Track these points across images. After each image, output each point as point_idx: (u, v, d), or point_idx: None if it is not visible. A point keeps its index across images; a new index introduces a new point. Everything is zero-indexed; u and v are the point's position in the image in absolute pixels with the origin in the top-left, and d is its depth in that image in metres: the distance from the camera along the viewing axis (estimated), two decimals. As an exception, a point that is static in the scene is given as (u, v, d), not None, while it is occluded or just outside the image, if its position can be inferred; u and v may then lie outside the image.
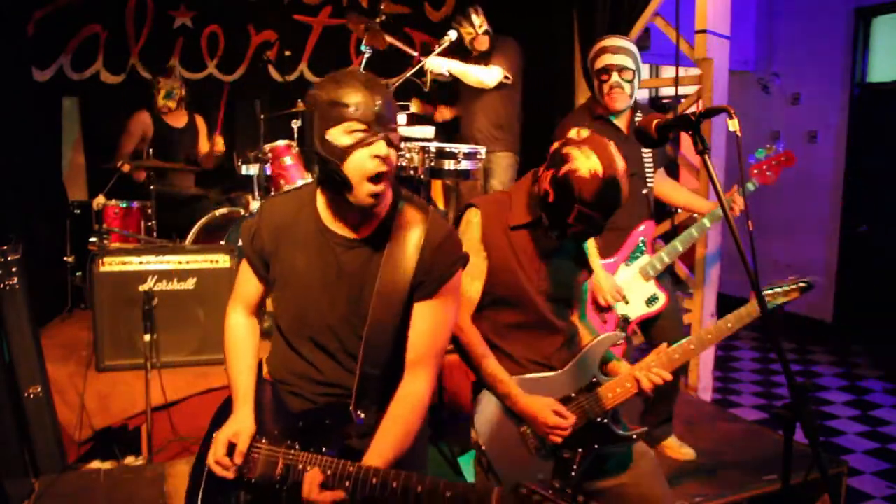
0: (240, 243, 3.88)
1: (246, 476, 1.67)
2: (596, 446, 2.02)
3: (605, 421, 2.03)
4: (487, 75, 4.18)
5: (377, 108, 1.55)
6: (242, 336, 1.83)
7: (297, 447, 1.65)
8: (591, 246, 2.54)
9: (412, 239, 1.66)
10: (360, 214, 1.65)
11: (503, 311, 2.05)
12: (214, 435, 1.71)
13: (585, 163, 1.83)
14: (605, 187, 1.83)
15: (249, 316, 1.86)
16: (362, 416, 1.66)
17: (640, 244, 2.91)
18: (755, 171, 3.04)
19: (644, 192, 2.94)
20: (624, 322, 2.91)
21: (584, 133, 1.92)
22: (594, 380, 2.05)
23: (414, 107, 4.59)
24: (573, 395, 2.04)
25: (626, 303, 2.90)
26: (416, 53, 4.20)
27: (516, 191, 2.09)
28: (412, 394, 1.68)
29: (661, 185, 3.09)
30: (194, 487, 1.75)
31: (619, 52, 2.74)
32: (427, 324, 1.69)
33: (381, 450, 1.60)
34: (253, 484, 1.67)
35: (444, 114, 4.69)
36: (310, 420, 1.70)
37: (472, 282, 2.00)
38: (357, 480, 1.52)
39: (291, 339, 1.76)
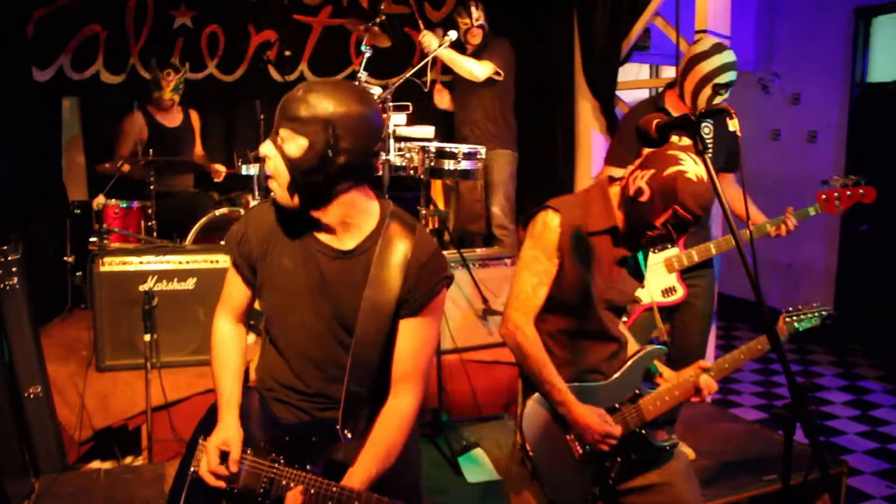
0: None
1: (229, 486, 1.66)
2: (633, 455, 2.05)
3: (644, 432, 2.06)
4: (478, 67, 4.22)
5: (286, 100, 1.56)
6: (229, 343, 1.82)
7: (281, 461, 1.65)
8: None
9: (398, 256, 1.65)
10: (338, 225, 1.65)
11: (562, 317, 2.04)
12: (202, 443, 1.71)
13: (693, 167, 1.86)
14: (707, 192, 1.86)
15: (236, 323, 1.86)
16: (349, 435, 1.66)
17: None
18: (823, 198, 2.96)
19: None
20: (632, 302, 2.92)
21: (686, 141, 1.94)
22: (637, 392, 2.09)
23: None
24: (617, 405, 2.06)
25: (643, 286, 2.91)
26: (421, 25, 4.30)
27: (592, 194, 2.07)
28: (397, 410, 1.68)
29: (728, 191, 3.05)
30: (176, 494, 1.74)
31: (735, 67, 2.83)
32: (412, 341, 1.69)
33: (366, 465, 1.60)
34: (235, 494, 1.66)
35: (444, 99, 4.63)
36: (296, 435, 1.69)
37: (538, 286, 1.98)
38: (340, 502, 1.52)
39: (278, 346, 1.76)
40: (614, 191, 2.03)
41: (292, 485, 1.59)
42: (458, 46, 4.31)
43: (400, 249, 1.66)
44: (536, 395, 2.01)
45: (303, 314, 1.70)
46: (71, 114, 4.79)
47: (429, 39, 4.08)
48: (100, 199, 3.95)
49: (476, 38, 4.36)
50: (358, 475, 1.58)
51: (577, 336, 2.06)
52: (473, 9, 4.32)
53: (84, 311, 4.02)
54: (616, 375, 2.08)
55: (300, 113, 1.54)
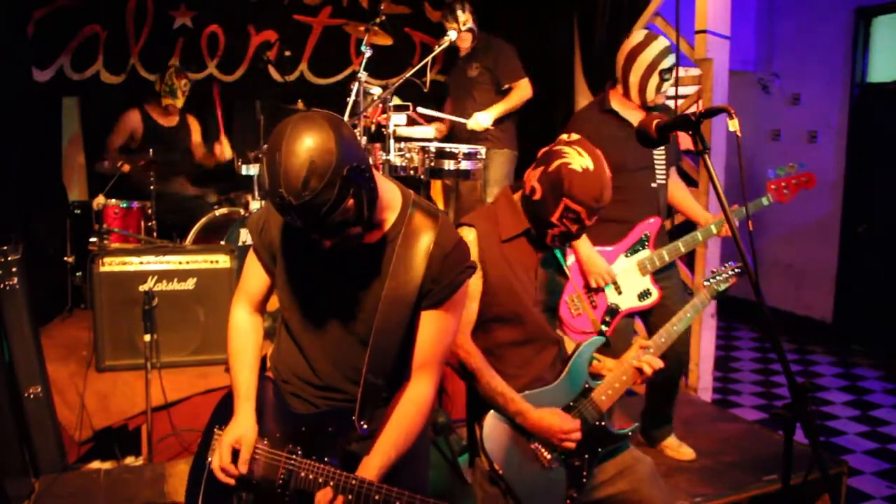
0: (241, 242, 3.88)
1: (247, 477, 1.67)
2: (599, 449, 2.06)
3: (603, 423, 2.08)
4: (526, 91, 4.34)
5: (297, 209, 1.43)
6: (246, 332, 1.81)
7: (299, 453, 1.65)
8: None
9: (421, 246, 1.63)
10: None
11: (499, 329, 2.04)
12: (216, 437, 1.71)
13: (578, 159, 1.91)
14: (595, 182, 1.89)
15: (253, 312, 1.84)
16: (365, 426, 1.65)
17: (643, 238, 2.92)
18: (772, 187, 3.02)
19: (653, 185, 2.93)
20: (612, 311, 2.92)
21: (575, 136, 1.99)
22: (586, 385, 2.10)
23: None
24: (572, 403, 2.07)
25: (619, 292, 2.91)
26: (455, 119, 4.28)
27: (499, 203, 2.10)
28: (416, 397, 1.67)
29: (670, 185, 3.09)
30: (195, 485, 1.75)
31: (672, 52, 2.85)
32: (433, 331, 1.67)
33: (385, 450, 1.60)
34: (254, 484, 1.67)
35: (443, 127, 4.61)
36: (313, 426, 1.69)
37: (469, 302, 1.97)
38: (360, 495, 1.52)
39: (296, 338, 1.75)
40: (517, 196, 2.07)
41: (311, 476, 1.59)
42: (452, 50, 4.33)
43: (423, 240, 1.63)
44: (492, 412, 1.99)
45: (320, 306, 1.69)
46: (71, 114, 4.78)
47: (481, 122, 4.19)
48: (100, 199, 3.95)
49: (465, 42, 4.36)
50: (377, 460, 1.58)
51: (518, 345, 2.05)
52: (459, 12, 4.27)
53: (84, 311, 4.03)
54: (563, 375, 2.08)
55: (321, 194, 1.40)
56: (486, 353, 2.02)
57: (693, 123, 1.61)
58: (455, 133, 4.47)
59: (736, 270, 2.42)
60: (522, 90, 4.35)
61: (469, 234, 2.01)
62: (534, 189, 1.95)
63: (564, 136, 1.99)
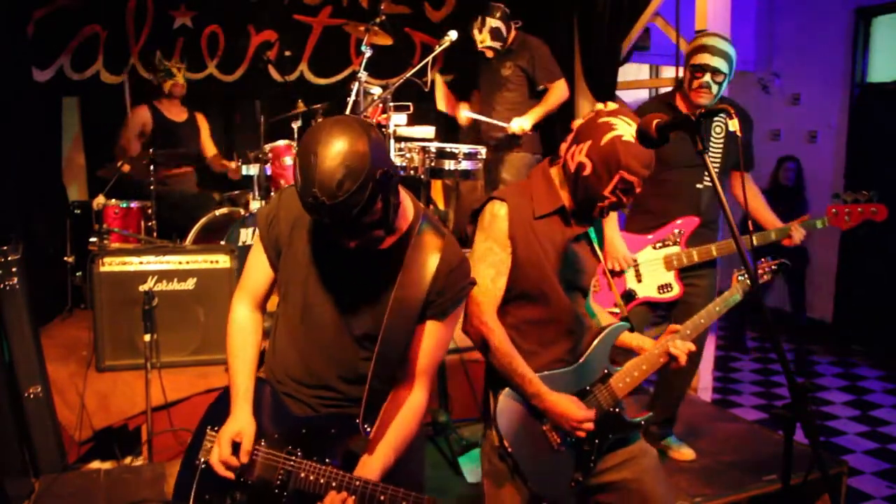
0: (241, 242, 3.87)
1: (243, 478, 1.67)
2: (610, 435, 2.06)
3: (617, 410, 2.07)
4: (563, 92, 4.33)
5: (330, 210, 1.47)
6: (245, 330, 1.81)
7: (299, 454, 1.66)
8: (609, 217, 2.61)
9: (429, 259, 1.67)
10: None
11: (525, 306, 2.02)
12: (215, 433, 1.71)
13: (628, 129, 1.86)
14: (649, 152, 1.86)
15: (255, 310, 1.84)
16: (369, 430, 1.67)
17: (676, 234, 2.92)
18: (833, 212, 2.96)
19: (699, 186, 2.89)
20: (627, 296, 2.94)
21: (612, 105, 1.95)
22: (605, 371, 2.08)
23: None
24: (588, 388, 2.06)
25: (639, 280, 2.92)
26: (497, 123, 4.24)
27: (534, 179, 2.06)
28: (414, 404, 1.72)
29: (738, 188, 3.01)
30: (185, 483, 1.74)
31: (717, 55, 2.77)
32: (432, 340, 1.72)
33: (385, 452, 1.64)
34: (249, 485, 1.67)
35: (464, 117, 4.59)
36: (314, 428, 1.70)
37: (497, 277, 1.97)
38: (364, 496, 1.54)
39: (294, 338, 1.75)
40: (555, 171, 2.03)
41: (311, 477, 1.61)
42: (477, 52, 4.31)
43: (431, 253, 1.68)
44: (507, 389, 2.00)
45: (322, 307, 1.70)
46: (71, 114, 4.79)
47: (522, 125, 4.15)
48: (100, 199, 3.95)
49: (488, 54, 4.29)
50: (378, 463, 1.61)
51: (542, 324, 2.03)
52: (476, 32, 4.18)
53: (84, 311, 4.02)
54: (583, 358, 2.07)
55: (354, 195, 1.45)
56: (509, 328, 2.00)
57: (693, 123, 1.61)
58: (483, 135, 4.40)
59: (772, 268, 2.39)
60: (559, 91, 4.31)
61: (500, 210, 1.98)
62: (582, 165, 1.90)
63: (601, 106, 1.94)
